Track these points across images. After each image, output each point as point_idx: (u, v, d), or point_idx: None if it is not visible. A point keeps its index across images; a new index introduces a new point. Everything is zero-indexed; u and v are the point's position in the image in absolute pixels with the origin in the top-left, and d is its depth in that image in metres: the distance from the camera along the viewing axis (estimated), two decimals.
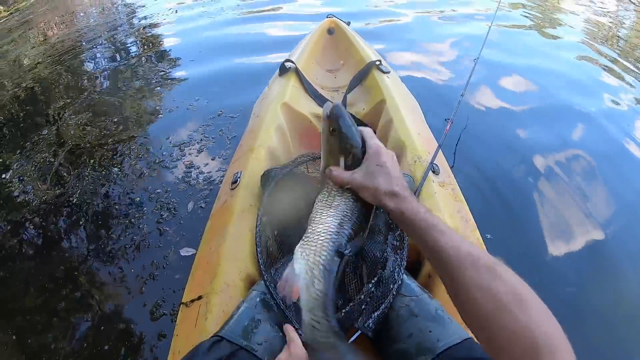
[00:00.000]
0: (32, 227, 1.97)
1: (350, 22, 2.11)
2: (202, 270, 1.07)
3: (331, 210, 0.67)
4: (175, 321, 0.99)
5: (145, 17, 5.02)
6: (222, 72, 3.08)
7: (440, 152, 1.25)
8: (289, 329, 0.76)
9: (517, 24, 4.12)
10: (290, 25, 3.98)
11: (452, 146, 2.02)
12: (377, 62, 1.72)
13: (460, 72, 2.88)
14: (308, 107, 1.57)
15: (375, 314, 0.82)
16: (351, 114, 0.87)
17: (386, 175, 0.62)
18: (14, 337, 1.49)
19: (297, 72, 1.65)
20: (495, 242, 1.31)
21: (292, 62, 1.69)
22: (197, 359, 0.73)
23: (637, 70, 3.35)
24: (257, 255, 0.97)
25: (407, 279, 0.90)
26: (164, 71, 3.34)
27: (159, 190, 2.01)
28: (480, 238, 1.07)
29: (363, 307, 0.84)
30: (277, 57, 2.94)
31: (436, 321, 0.78)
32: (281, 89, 1.58)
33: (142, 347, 1.39)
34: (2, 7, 6.76)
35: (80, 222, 1.93)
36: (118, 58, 3.87)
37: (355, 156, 0.67)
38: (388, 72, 1.69)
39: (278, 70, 1.72)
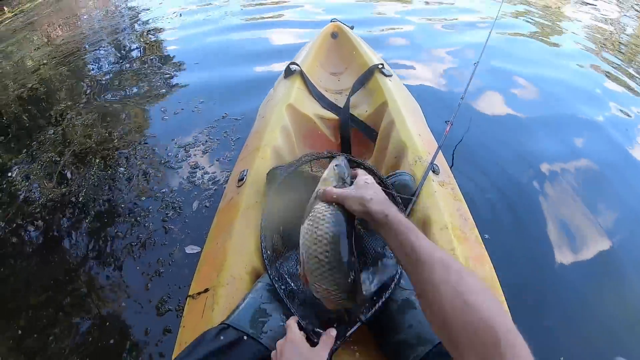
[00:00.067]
0: (38, 224, 2.02)
1: (353, 27, 2.17)
2: (209, 264, 1.12)
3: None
4: (181, 316, 1.03)
5: (149, 21, 5.10)
6: (226, 75, 3.15)
7: (440, 153, 1.30)
8: (290, 319, 0.81)
9: (519, 31, 4.19)
10: (294, 30, 4.06)
11: (453, 147, 2.08)
12: (380, 66, 1.77)
13: (462, 76, 2.94)
14: (312, 109, 1.63)
15: (376, 306, 0.86)
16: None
17: (371, 189, 0.71)
18: (19, 332, 1.53)
19: (301, 74, 1.71)
20: (492, 242, 1.35)
21: (297, 64, 1.75)
22: (205, 343, 0.78)
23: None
24: (262, 250, 1.01)
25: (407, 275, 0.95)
26: (168, 74, 3.41)
27: (164, 190, 2.06)
28: (479, 235, 1.12)
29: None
30: (280, 62, 3.04)
31: None
32: (286, 91, 1.63)
33: (148, 342, 1.43)
34: (6, 9, 6.87)
35: (86, 220, 1.98)
36: (123, 61, 3.94)
37: (345, 183, 0.82)
38: (390, 76, 1.75)
39: (283, 73, 1.78)
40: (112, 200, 2.07)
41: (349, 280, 0.72)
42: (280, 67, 2.06)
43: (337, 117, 1.65)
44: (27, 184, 2.27)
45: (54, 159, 2.43)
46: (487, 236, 1.18)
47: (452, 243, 1.03)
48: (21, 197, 2.19)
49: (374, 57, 1.92)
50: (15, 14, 6.59)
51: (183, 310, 1.05)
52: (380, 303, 0.86)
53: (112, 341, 1.45)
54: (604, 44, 4.18)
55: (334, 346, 0.76)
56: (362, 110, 1.68)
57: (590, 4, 5.81)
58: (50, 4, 7.09)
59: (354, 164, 1.10)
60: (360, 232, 0.96)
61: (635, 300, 1.54)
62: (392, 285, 0.88)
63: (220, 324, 0.82)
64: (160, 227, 1.86)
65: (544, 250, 1.66)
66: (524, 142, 2.31)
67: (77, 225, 1.98)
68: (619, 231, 1.79)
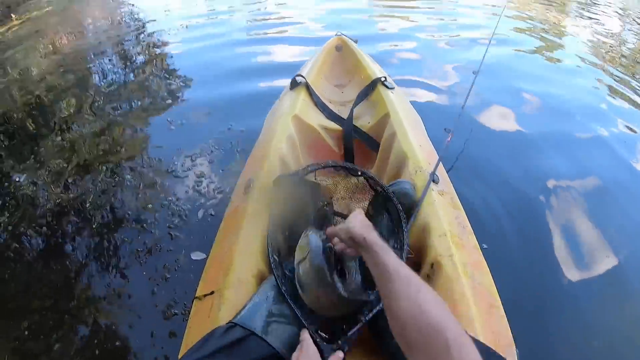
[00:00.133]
0: (45, 229, 2.08)
1: (357, 40, 2.26)
2: (216, 267, 1.17)
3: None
4: (186, 320, 1.08)
5: (155, 32, 5.25)
6: (230, 88, 3.26)
7: (440, 163, 1.37)
8: (303, 332, 0.87)
9: (520, 47, 4.33)
10: (297, 46, 4.20)
11: (453, 157, 2.15)
12: (383, 79, 1.86)
13: (462, 88, 3.04)
14: (317, 120, 1.71)
15: (375, 309, 0.91)
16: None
17: (356, 219, 0.83)
18: (26, 332, 1.58)
19: (307, 86, 1.80)
20: (490, 251, 1.40)
21: (302, 76, 1.83)
22: (213, 339, 0.84)
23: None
24: (269, 254, 1.07)
25: None
26: (174, 85, 3.53)
27: (170, 198, 2.13)
28: (477, 243, 1.19)
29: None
30: (283, 76, 3.11)
31: None
32: (292, 102, 1.72)
33: (153, 344, 1.48)
34: (14, 16, 7.04)
35: (93, 226, 2.05)
36: (128, 71, 4.07)
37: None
38: (393, 88, 1.83)
39: (289, 84, 1.86)
40: (119, 207, 2.15)
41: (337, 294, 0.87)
42: (283, 81, 2.15)
43: (340, 128, 1.73)
44: (34, 189, 2.35)
45: (61, 165, 2.51)
46: (485, 246, 1.23)
47: (451, 249, 1.09)
48: (29, 201, 2.26)
49: (377, 70, 2.01)
50: (23, 22, 6.75)
51: (188, 314, 1.10)
52: (380, 306, 0.91)
53: (117, 344, 1.51)
54: (605, 57, 4.30)
55: (334, 344, 0.84)
56: (364, 121, 1.76)
57: (591, 18, 5.94)
58: (57, 12, 7.27)
59: (357, 173, 1.17)
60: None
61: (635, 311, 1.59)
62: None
63: (228, 323, 0.88)
64: (166, 234, 1.93)
65: (542, 260, 1.73)
66: (527, 155, 2.40)
67: (84, 230, 2.05)
68: (620, 241, 1.86)
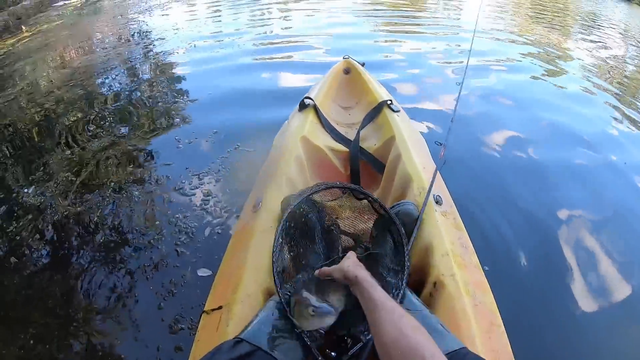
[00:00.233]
0: (51, 241, 2.17)
1: (364, 63, 2.38)
2: (224, 282, 1.24)
3: None
4: (193, 335, 1.14)
5: (164, 50, 5.44)
6: (239, 108, 3.39)
7: (443, 184, 1.46)
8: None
9: (523, 72, 4.50)
10: (303, 70, 4.31)
11: (453, 175, 2.22)
12: (389, 102, 1.96)
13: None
14: (324, 141, 1.81)
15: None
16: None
17: (349, 261, 0.95)
18: (31, 342, 1.63)
19: (315, 108, 1.91)
20: (491, 272, 1.48)
21: (311, 99, 1.94)
22: (220, 353, 0.89)
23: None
24: (273, 273, 1.10)
25: (411, 296, 1.07)
26: (182, 103, 3.66)
27: (177, 215, 2.21)
28: (479, 262, 1.26)
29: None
30: (291, 96, 3.24)
31: (436, 332, 0.93)
32: (300, 124, 1.82)
33: (160, 358, 1.53)
34: (24, 28, 7.30)
35: (99, 240, 2.12)
36: (137, 88, 4.20)
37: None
38: (398, 111, 1.93)
39: (298, 106, 1.97)
40: (126, 222, 2.22)
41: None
42: (289, 102, 2.26)
43: (347, 150, 1.82)
44: (42, 200, 2.44)
45: (69, 178, 2.61)
46: (486, 268, 1.30)
47: (453, 269, 1.16)
48: (36, 213, 2.34)
49: (383, 93, 2.12)
50: (33, 34, 6.99)
51: (195, 328, 1.17)
52: None
53: (123, 357, 1.56)
54: (606, 77, 4.44)
55: None
56: (371, 143, 1.85)
57: (595, 41, 6.10)
58: (67, 26, 7.54)
59: (361, 195, 1.25)
60: None
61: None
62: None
63: (235, 337, 0.92)
64: (172, 250, 2.00)
65: (543, 280, 1.80)
66: (525, 169, 2.56)
67: (90, 243, 2.12)
68: (623, 264, 1.93)
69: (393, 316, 0.71)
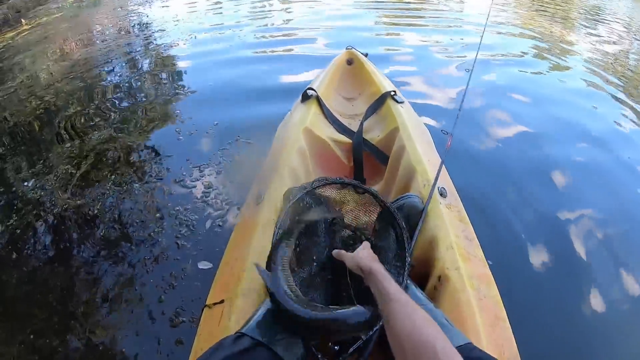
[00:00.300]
0: (51, 234, 2.16)
1: (367, 54, 2.35)
2: (226, 276, 1.23)
3: None
4: (194, 328, 1.13)
5: (164, 42, 5.40)
6: (238, 98, 3.37)
7: (448, 176, 1.43)
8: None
9: (527, 66, 4.45)
10: (306, 58, 4.31)
11: (459, 166, 2.18)
12: (392, 93, 1.94)
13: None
14: (327, 132, 1.79)
15: (377, 325, 0.95)
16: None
17: (363, 252, 0.96)
18: (31, 337, 1.63)
19: (317, 99, 1.88)
20: (496, 265, 1.47)
21: (313, 90, 1.92)
22: (222, 348, 0.88)
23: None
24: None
25: (415, 289, 1.06)
26: (182, 95, 3.64)
27: (177, 208, 2.20)
28: (483, 255, 1.24)
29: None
30: (292, 88, 3.23)
31: (441, 327, 0.92)
32: (303, 115, 1.80)
33: (160, 351, 1.52)
34: (24, 21, 7.26)
35: (99, 232, 2.11)
36: (136, 80, 4.18)
37: None
38: (402, 102, 1.91)
39: (300, 97, 1.94)
40: (126, 215, 2.21)
41: None
42: (291, 93, 2.24)
43: (350, 141, 1.80)
44: (42, 194, 2.43)
45: (69, 171, 2.60)
46: (490, 262, 1.29)
47: (457, 262, 1.15)
48: (36, 207, 2.33)
49: (386, 84, 2.09)
50: (33, 27, 6.95)
51: (196, 322, 1.15)
52: (382, 322, 0.96)
53: (124, 350, 1.55)
54: (615, 74, 4.39)
55: None
56: (374, 134, 1.83)
57: (599, 35, 6.05)
58: (67, 19, 7.49)
59: (361, 191, 1.24)
60: None
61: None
62: None
63: (236, 332, 0.92)
64: (173, 243, 1.99)
65: (548, 273, 1.79)
66: (532, 161, 2.53)
67: (90, 236, 2.11)
68: (629, 256, 1.92)
69: (406, 309, 0.72)
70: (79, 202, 2.32)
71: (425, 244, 1.24)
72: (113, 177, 2.49)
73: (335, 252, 1.04)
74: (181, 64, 4.50)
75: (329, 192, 1.29)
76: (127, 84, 4.06)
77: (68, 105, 3.63)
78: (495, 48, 4.69)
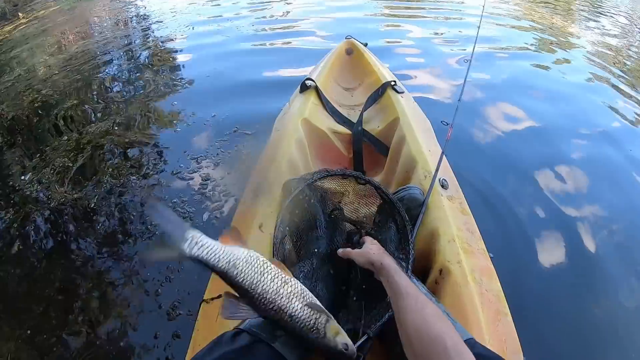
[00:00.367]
0: (48, 228, 2.13)
1: (367, 44, 2.31)
2: None
3: None
4: (191, 321, 1.10)
5: (162, 33, 5.36)
6: (236, 89, 3.32)
7: (449, 168, 1.40)
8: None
9: (522, 46, 4.44)
10: (305, 48, 4.27)
11: (461, 159, 2.14)
12: (392, 83, 1.90)
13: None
14: (326, 123, 1.75)
15: (382, 320, 0.92)
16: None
17: (373, 247, 0.97)
18: (28, 332, 1.61)
19: (316, 89, 1.84)
20: (498, 258, 1.44)
21: (312, 80, 1.88)
22: (221, 345, 0.86)
23: None
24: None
25: (417, 283, 1.03)
26: (180, 87, 3.59)
27: (175, 200, 2.16)
28: (485, 249, 1.21)
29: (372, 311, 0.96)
30: (291, 78, 3.23)
31: None
32: (301, 106, 1.76)
33: (157, 345, 1.50)
34: (21, 14, 7.19)
35: (97, 226, 2.09)
36: (135, 71, 4.15)
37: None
38: (402, 92, 1.87)
39: (299, 88, 1.90)
40: (123, 208, 2.18)
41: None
42: (290, 84, 2.20)
43: (349, 132, 1.77)
44: (38, 187, 2.39)
45: (66, 164, 2.56)
46: (491, 255, 1.26)
47: (459, 255, 1.12)
48: (33, 200, 2.30)
49: (386, 74, 2.05)
50: (30, 20, 6.88)
51: (192, 315, 1.13)
52: (385, 317, 0.92)
53: (121, 344, 1.54)
54: (616, 65, 4.34)
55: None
56: (374, 125, 1.79)
57: (601, 27, 5.99)
58: (64, 12, 7.41)
59: (362, 181, 1.20)
60: None
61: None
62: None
63: (235, 328, 0.89)
64: None
65: (551, 266, 1.76)
66: (535, 152, 2.49)
67: (87, 230, 2.09)
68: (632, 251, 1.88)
69: (417, 304, 0.72)
70: (75, 195, 2.29)
71: (426, 237, 1.21)
72: (110, 169, 2.46)
73: (340, 251, 1.03)
74: (179, 56, 4.45)
75: (329, 184, 1.26)
76: (124, 77, 4.01)
77: (65, 98, 3.58)
78: (496, 40, 4.64)
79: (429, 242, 1.19)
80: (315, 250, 1.11)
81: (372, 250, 0.94)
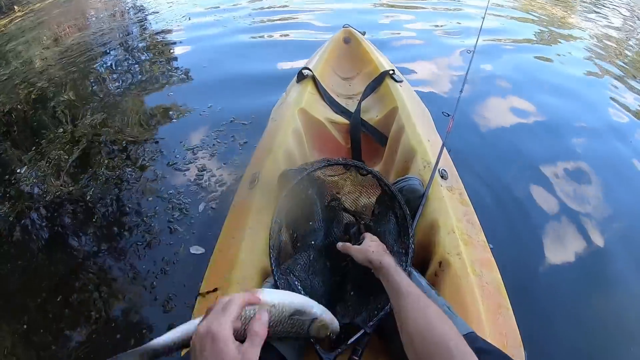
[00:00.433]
0: (44, 221, 2.11)
1: (365, 32, 2.26)
2: (220, 263, 1.17)
3: None
4: (187, 314, 1.08)
5: (158, 24, 5.29)
6: (233, 80, 3.27)
7: (449, 158, 1.36)
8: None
9: (524, 38, 4.39)
10: (302, 39, 4.21)
11: (461, 149, 2.12)
12: (391, 72, 1.85)
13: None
14: (324, 113, 1.70)
15: (378, 316, 0.90)
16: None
17: (372, 244, 0.93)
18: (25, 327, 1.59)
19: (314, 79, 1.80)
20: (496, 250, 1.41)
21: (309, 69, 1.83)
22: None
23: None
24: (270, 251, 1.03)
25: (417, 276, 1.00)
26: (176, 77, 3.55)
27: (171, 191, 2.13)
28: (485, 239, 1.18)
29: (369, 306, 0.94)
30: (288, 67, 3.19)
31: None
32: (298, 95, 1.72)
33: (153, 338, 1.48)
34: (17, 8, 7.10)
35: (93, 219, 2.06)
36: (131, 63, 4.10)
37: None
38: (401, 81, 1.82)
39: (296, 77, 1.86)
40: (119, 200, 2.15)
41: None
42: (287, 73, 2.16)
43: (347, 122, 1.72)
44: (35, 180, 2.37)
45: (62, 157, 2.53)
46: (491, 246, 1.22)
47: (459, 247, 1.08)
48: (29, 193, 2.28)
49: (385, 63, 2.00)
50: (26, 13, 6.80)
51: (188, 308, 1.11)
52: (382, 313, 0.90)
53: (118, 337, 1.51)
54: (618, 57, 4.28)
55: (334, 352, 0.84)
56: (372, 115, 1.75)
57: (603, 19, 5.92)
58: (60, 4, 7.32)
59: (364, 172, 1.16)
60: None
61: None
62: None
63: None
64: (165, 227, 1.93)
65: (552, 258, 1.73)
66: (535, 144, 2.45)
67: (84, 223, 2.06)
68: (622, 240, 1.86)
69: (419, 305, 0.70)
70: (71, 188, 2.26)
71: (426, 228, 1.18)
72: (106, 162, 2.43)
73: (340, 245, 1.00)
74: (175, 47, 4.38)
75: (328, 174, 1.22)
76: (120, 68, 3.96)
77: (61, 90, 3.54)
78: (497, 31, 4.55)
79: (429, 233, 1.16)
80: (312, 242, 1.08)
81: (371, 247, 0.91)
